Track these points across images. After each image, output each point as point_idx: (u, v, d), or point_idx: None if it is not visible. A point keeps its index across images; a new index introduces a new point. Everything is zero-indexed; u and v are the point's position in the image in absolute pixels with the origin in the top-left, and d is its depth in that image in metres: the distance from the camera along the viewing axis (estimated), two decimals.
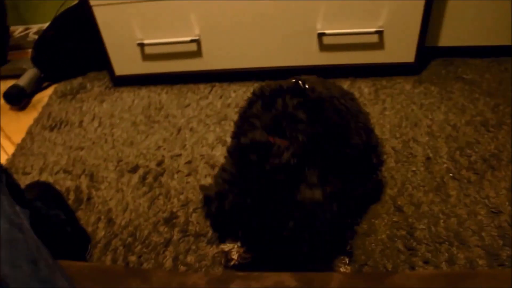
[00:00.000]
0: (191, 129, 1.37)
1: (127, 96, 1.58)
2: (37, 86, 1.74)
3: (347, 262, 0.89)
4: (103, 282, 0.57)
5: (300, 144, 0.73)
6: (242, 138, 0.74)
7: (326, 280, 0.58)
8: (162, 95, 1.56)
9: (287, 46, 1.46)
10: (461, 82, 1.42)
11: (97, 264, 0.64)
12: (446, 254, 0.92)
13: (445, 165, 1.12)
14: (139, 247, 1.02)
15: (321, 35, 1.41)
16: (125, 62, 1.56)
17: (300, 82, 0.83)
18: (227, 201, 0.69)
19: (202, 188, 0.75)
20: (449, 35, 1.48)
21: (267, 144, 0.71)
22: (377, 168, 1.00)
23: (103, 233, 1.06)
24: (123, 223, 1.08)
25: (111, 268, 0.63)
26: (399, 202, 1.04)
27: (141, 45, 1.49)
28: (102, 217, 1.11)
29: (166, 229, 1.05)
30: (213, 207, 0.71)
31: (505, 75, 1.42)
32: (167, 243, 1.01)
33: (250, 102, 0.85)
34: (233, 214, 0.69)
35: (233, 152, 0.74)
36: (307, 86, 0.82)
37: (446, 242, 0.94)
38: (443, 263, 0.90)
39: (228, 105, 1.46)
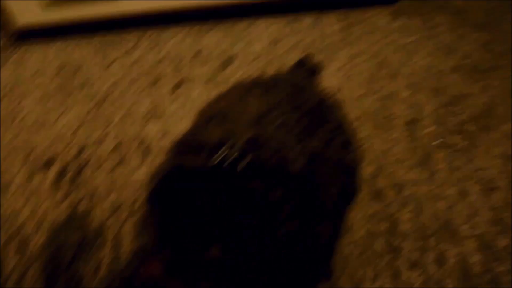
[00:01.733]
0: (116, 99, 1.09)
1: (34, 55, 1.24)
2: None
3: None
4: None
5: None
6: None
7: None
8: (78, 51, 1.22)
9: None
10: (446, 13, 1.17)
11: None
12: (434, 253, 0.77)
13: (430, 129, 0.93)
14: (63, 277, 0.81)
15: None
16: (20, 7, 1.18)
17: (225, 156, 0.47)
18: None
19: None
20: None
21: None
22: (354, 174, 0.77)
23: (14, 261, 0.84)
24: (39, 243, 0.86)
25: None
26: (377, 185, 0.86)
27: None
28: (12, 237, 0.87)
29: (93, 249, 0.84)
30: None
31: (495, 1, 1.17)
32: (96, 268, 0.81)
33: (154, 196, 0.52)
34: None
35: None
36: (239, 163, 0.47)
37: (434, 236, 0.78)
38: (431, 264, 0.76)
39: (162, 60, 1.16)
